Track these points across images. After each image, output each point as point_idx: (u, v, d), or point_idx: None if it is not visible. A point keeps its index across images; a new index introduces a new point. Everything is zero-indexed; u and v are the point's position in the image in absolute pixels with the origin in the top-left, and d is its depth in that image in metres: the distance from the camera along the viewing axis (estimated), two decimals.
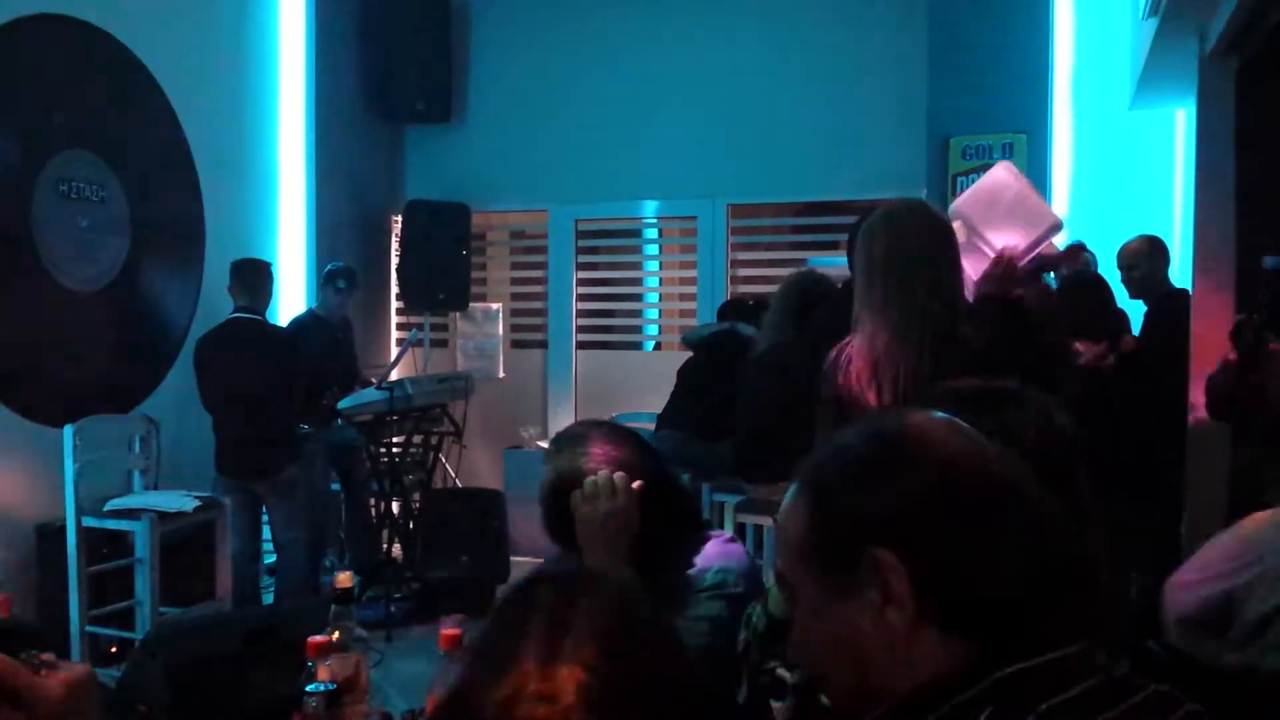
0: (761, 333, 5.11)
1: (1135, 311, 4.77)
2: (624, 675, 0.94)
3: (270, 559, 5.38)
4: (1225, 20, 3.73)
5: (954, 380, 1.60)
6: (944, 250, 2.51)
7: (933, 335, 2.40)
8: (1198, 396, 4.01)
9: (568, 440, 2.00)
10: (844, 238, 7.24)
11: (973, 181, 5.70)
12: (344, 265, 6.00)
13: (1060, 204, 5.88)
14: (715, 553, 1.99)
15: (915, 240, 2.50)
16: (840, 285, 3.83)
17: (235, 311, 5.12)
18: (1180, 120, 5.51)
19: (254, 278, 5.18)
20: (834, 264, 6.82)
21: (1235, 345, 3.51)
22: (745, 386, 4.73)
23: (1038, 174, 5.71)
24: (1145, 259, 4.69)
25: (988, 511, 0.99)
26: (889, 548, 0.97)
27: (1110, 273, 4.70)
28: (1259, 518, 1.93)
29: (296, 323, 5.86)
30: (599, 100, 6.91)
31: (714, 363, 5.19)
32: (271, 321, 5.33)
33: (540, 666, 0.92)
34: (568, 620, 0.95)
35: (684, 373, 5.33)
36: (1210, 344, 3.94)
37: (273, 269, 5.39)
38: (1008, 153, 5.71)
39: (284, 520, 5.12)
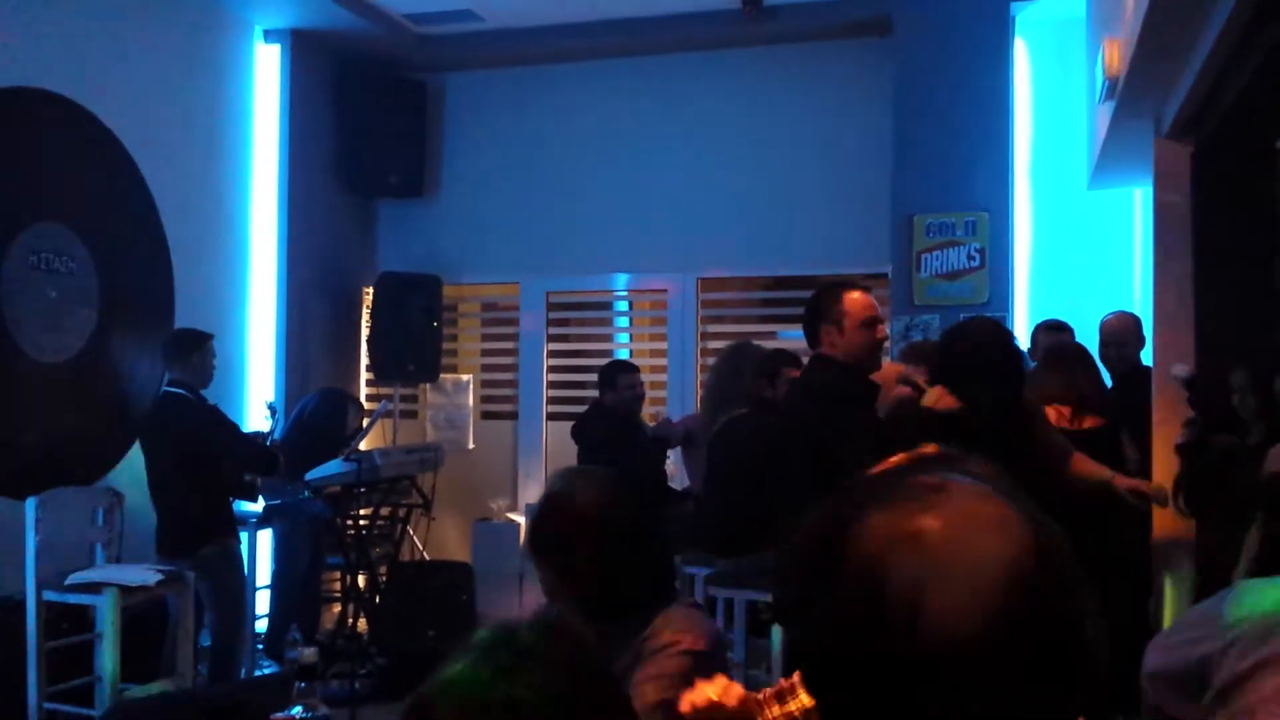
0: (701, 410, 5.27)
1: None
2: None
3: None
4: (1179, 104, 3.85)
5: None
6: None
7: None
8: (1160, 471, 4.07)
9: (571, 475, 2.16)
10: None
11: (937, 258, 5.86)
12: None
13: (1021, 281, 6.00)
14: (679, 616, 2.03)
15: None
16: (805, 359, 3.89)
17: (165, 385, 4.89)
18: (1138, 200, 5.65)
19: (179, 349, 4.90)
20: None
21: (1182, 458, 3.64)
22: (707, 464, 4.77)
23: (1000, 251, 5.83)
24: (1134, 337, 4.79)
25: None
26: None
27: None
28: (1240, 585, 1.97)
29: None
30: (570, 175, 7.00)
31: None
32: (197, 396, 4.88)
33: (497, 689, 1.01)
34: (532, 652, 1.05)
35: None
36: (1170, 420, 4.01)
37: (201, 339, 4.93)
38: (970, 230, 5.82)
39: (207, 602, 4.85)
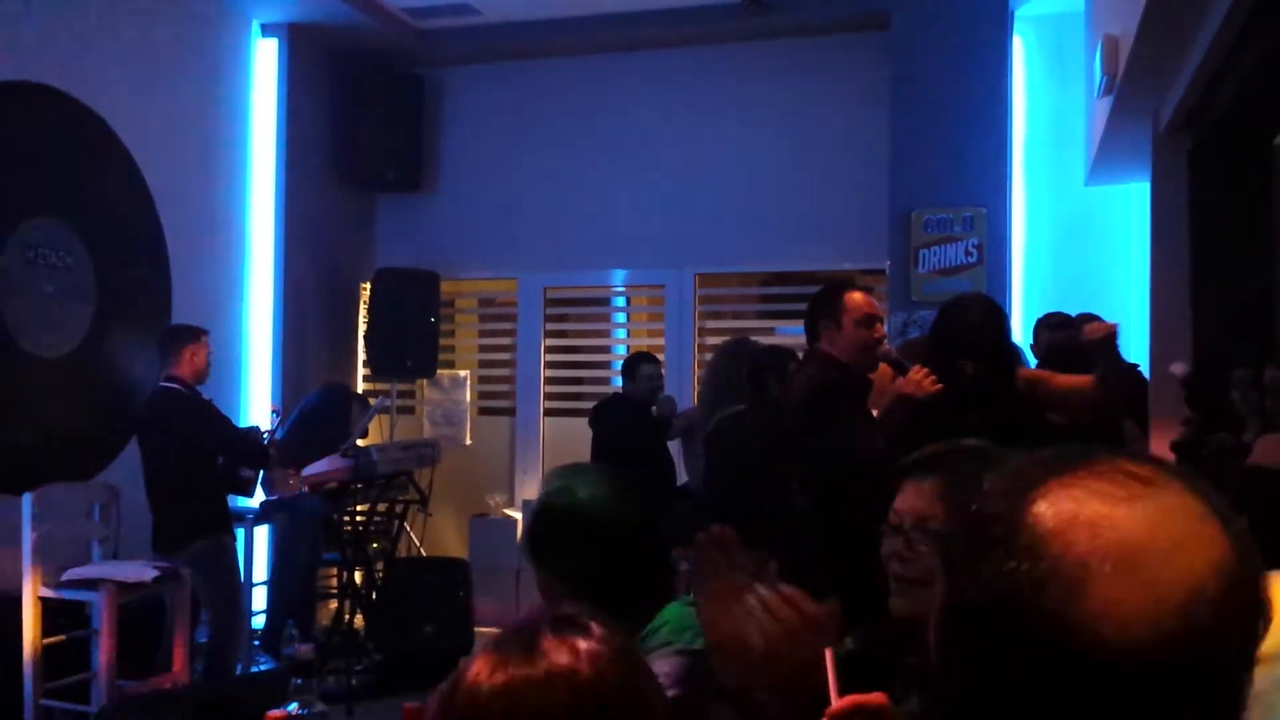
0: (699, 405, 5.32)
1: None
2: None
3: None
4: (1177, 100, 3.84)
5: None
6: None
7: None
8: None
9: (567, 474, 2.12)
10: None
11: (935, 254, 5.85)
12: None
13: (1019, 276, 5.99)
14: (675, 614, 2.03)
15: None
16: (800, 354, 3.89)
17: (161, 380, 4.90)
18: (1135, 196, 5.64)
19: (174, 345, 4.92)
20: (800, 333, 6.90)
21: (1179, 456, 3.62)
22: (705, 461, 4.77)
23: (997, 246, 5.83)
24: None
25: None
26: None
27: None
28: None
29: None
30: (568, 170, 6.99)
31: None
32: (191, 391, 4.91)
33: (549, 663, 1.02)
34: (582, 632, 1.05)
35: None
36: (1166, 418, 4.01)
37: (196, 334, 4.97)
38: (968, 226, 5.82)
39: (203, 598, 4.85)
